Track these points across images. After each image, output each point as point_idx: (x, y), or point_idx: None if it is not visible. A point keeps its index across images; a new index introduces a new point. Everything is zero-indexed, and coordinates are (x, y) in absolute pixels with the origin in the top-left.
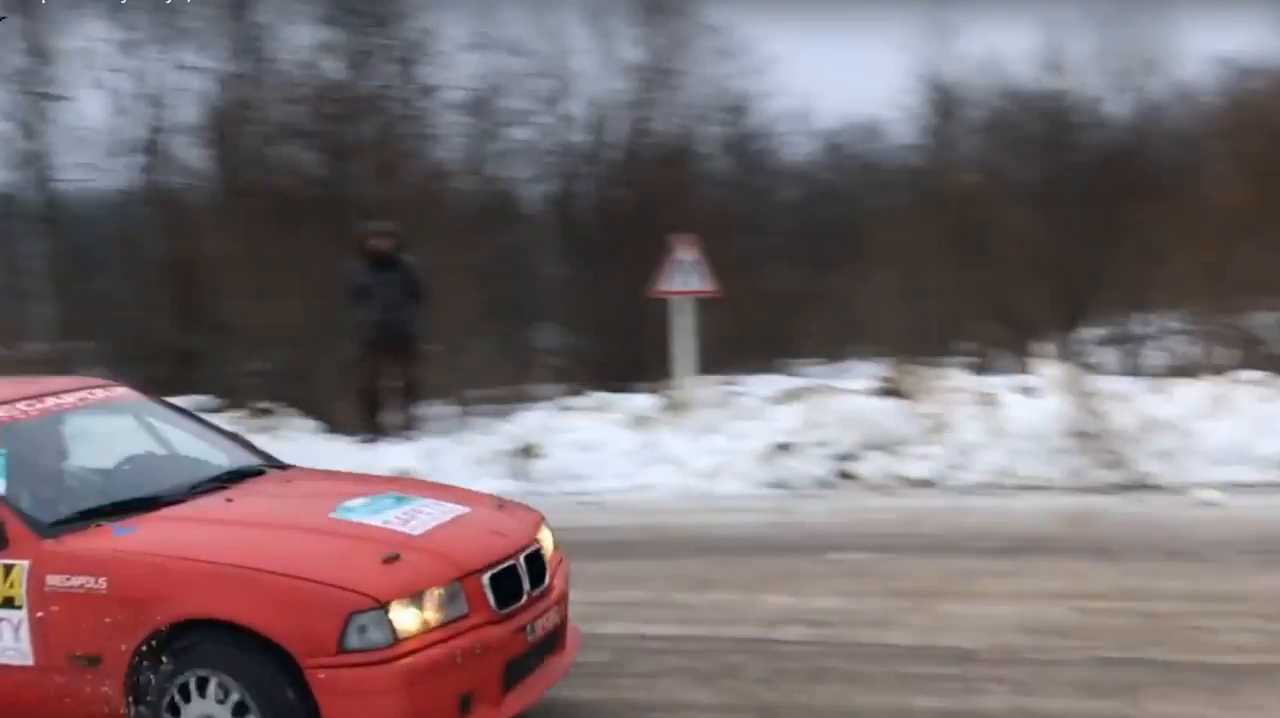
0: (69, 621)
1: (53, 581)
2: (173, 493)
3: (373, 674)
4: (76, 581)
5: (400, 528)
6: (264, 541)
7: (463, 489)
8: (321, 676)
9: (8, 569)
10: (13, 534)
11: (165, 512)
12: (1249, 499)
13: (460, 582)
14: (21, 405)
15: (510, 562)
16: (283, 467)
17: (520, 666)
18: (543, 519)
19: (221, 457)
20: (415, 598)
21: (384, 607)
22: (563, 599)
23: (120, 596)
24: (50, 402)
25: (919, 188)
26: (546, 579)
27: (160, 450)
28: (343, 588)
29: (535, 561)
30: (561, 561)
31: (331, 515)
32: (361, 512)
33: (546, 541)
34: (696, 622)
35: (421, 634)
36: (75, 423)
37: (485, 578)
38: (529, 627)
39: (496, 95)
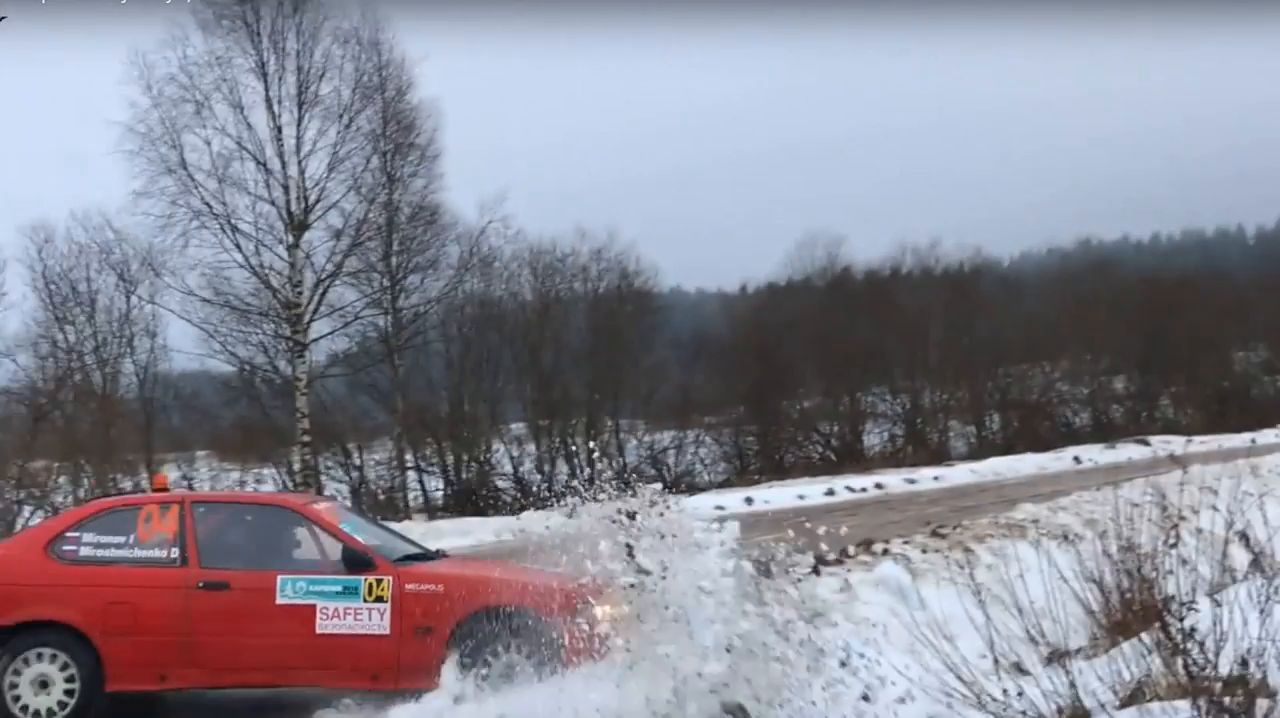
0: (416, 609)
1: (409, 587)
2: (421, 554)
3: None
4: (425, 587)
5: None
6: (502, 571)
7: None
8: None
9: (379, 582)
10: (380, 564)
11: (433, 562)
12: None
13: None
14: (324, 505)
15: None
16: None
17: None
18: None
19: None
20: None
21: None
22: None
23: (450, 594)
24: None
25: None
26: None
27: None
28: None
29: None
30: None
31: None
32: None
33: None
34: None
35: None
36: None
37: None
38: None
39: None
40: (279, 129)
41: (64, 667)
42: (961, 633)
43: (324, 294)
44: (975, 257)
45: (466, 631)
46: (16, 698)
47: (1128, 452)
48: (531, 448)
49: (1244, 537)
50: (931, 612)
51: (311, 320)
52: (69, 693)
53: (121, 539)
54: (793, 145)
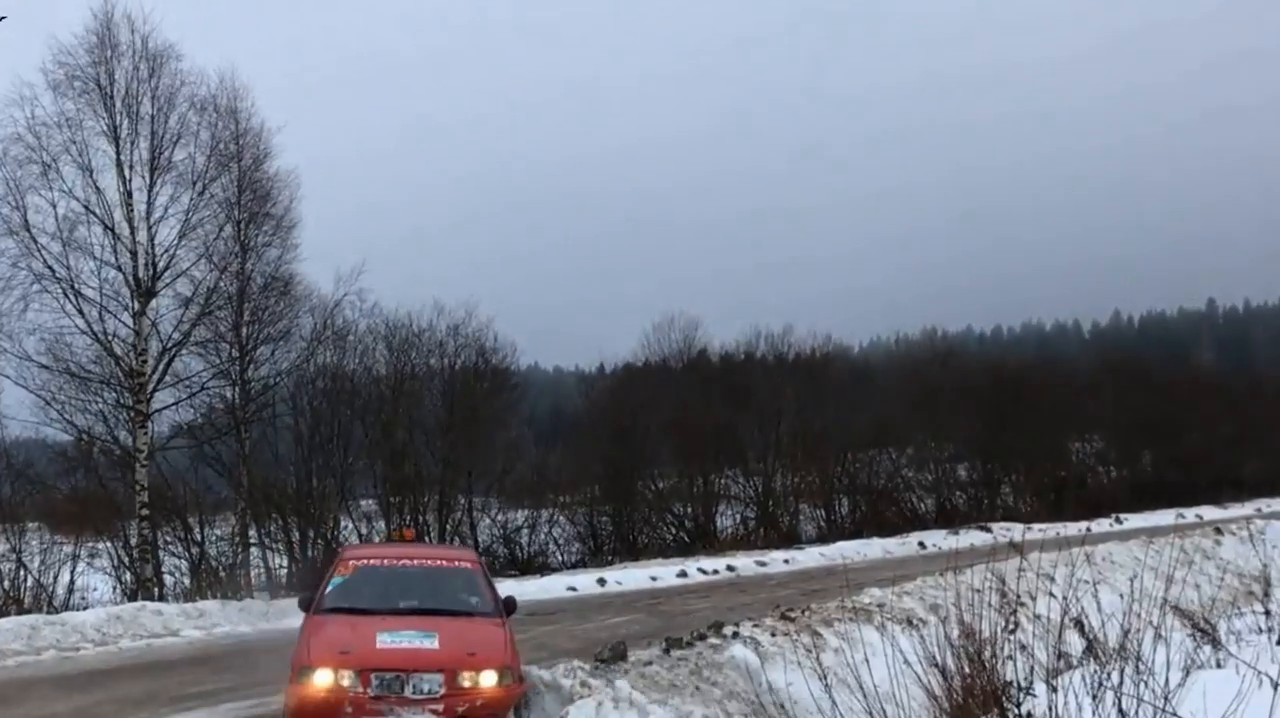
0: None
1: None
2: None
3: None
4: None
5: None
6: None
7: None
8: None
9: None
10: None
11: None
12: None
13: None
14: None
15: None
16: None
17: None
18: None
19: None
20: None
21: None
22: None
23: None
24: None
25: None
26: None
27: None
28: None
29: None
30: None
31: None
32: None
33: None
34: None
35: None
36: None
37: None
38: None
39: None
40: (129, 194)
41: None
42: (808, 715)
43: (169, 363)
44: (826, 343)
45: None
46: None
47: (970, 538)
48: (381, 525)
49: (1079, 623)
50: (779, 694)
51: (155, 390)
52: None
53: None
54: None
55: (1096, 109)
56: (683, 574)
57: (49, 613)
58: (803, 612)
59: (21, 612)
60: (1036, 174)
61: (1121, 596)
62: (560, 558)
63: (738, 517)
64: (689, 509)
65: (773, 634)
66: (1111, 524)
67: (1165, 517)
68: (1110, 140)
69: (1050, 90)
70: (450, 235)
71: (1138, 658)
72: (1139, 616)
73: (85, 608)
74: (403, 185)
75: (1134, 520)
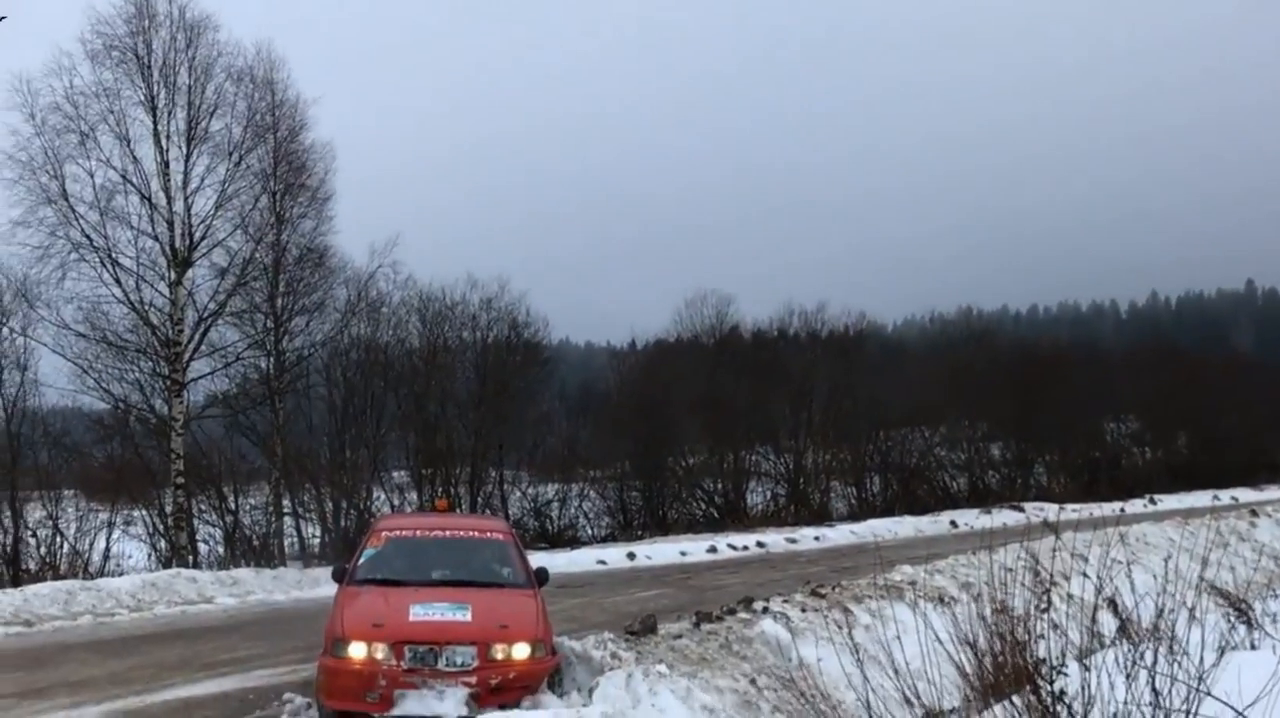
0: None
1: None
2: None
3: None
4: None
5: None
6: None
7: None
8: None
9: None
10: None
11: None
12: None
13: None
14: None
15: None
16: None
17: None
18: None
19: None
20: None
21: None
22: None
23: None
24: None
25: None
26: None
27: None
28: None
29: None
30: None
31: None
32: None
33: None
34: None
35: None
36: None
37: None
38: None
39: None
40: (166, 164)
41: None
42: (837, 691)
43: (205, 333)
44: (860, 321)
45: None
46: None
47: (1003, 517)
48: (413, 496)
49: (1112, 603)
50: (809, 669)
51: (191, 359)
52: None
53: None
54: (685, 202)
55: (1137, 93)
56: (712, 550)
57: (85, 579)
58: (834, 588)
59: (58, 578)
60: (1076, 154)
61: (1155, 576)
62: (590, 532)
63: (768, 494)
64: (719, 486)
65: (803, 610)
66: (1146, 505)
67: (1200, 498)
68: (1149, 124)
69: (1090, 73)
70: (484, 210)
71: (1172, 638)
72: (1173, 596)
73: (121, 575)
74: (436, 160)
75: (1168, 502)
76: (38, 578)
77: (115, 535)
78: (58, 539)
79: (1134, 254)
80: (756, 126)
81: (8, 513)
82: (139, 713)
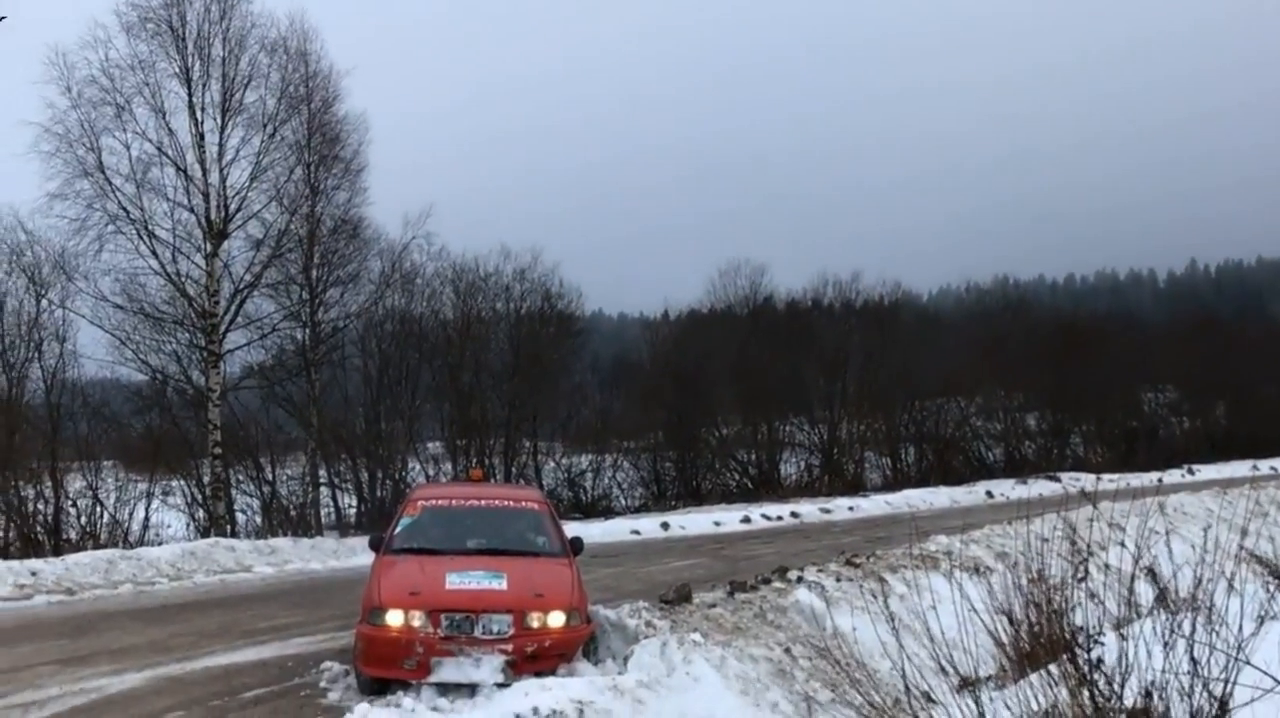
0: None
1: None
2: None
3: None
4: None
5: None
6: None
7: None
8: None
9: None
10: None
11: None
12: None
13: None
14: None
15: None
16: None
17: None
18: None
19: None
20: None
21: None
22: None
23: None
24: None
25: None
26: None
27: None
28: None
29: None
30: None
31: None
32: None
33: None
34: None
35: None
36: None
37: None
38: None
39: None
40: (201, 136)
41: None
42: (872, 660)
43: (241, 305)
44: (895, 291)
45: None
46: None
47: (1039, 487)
48: (448, 467)
49: (1150, 573)
50: (844, 639)
51: (227, 331)
52: None
53: None
54: (720, 172)
55: (1183, 74)
56: (746, 520)
57: (125, 548)
58: (868, 558)
59: (99, 547)
60: (1114, 122)
61: (1193, 546)
62: (624, 502)
63: (802, 464)
64: (753, 456)
65: (838, 580)
66: (1184, 475)
67: (1239, 468)
68: (1194, 103)
69: (1127, 38)
70: (517, 182)
71: (1210, 607)
72: (1211, 565)
73: (160, 544)
74: (471, 132)
75: (1207, 472)
76: (79, 547)
77: (154, 505)
78: (98, 509)
79: (1173, 222)
80: (797, 103)
81: (49, 483)
82: (180, 680)
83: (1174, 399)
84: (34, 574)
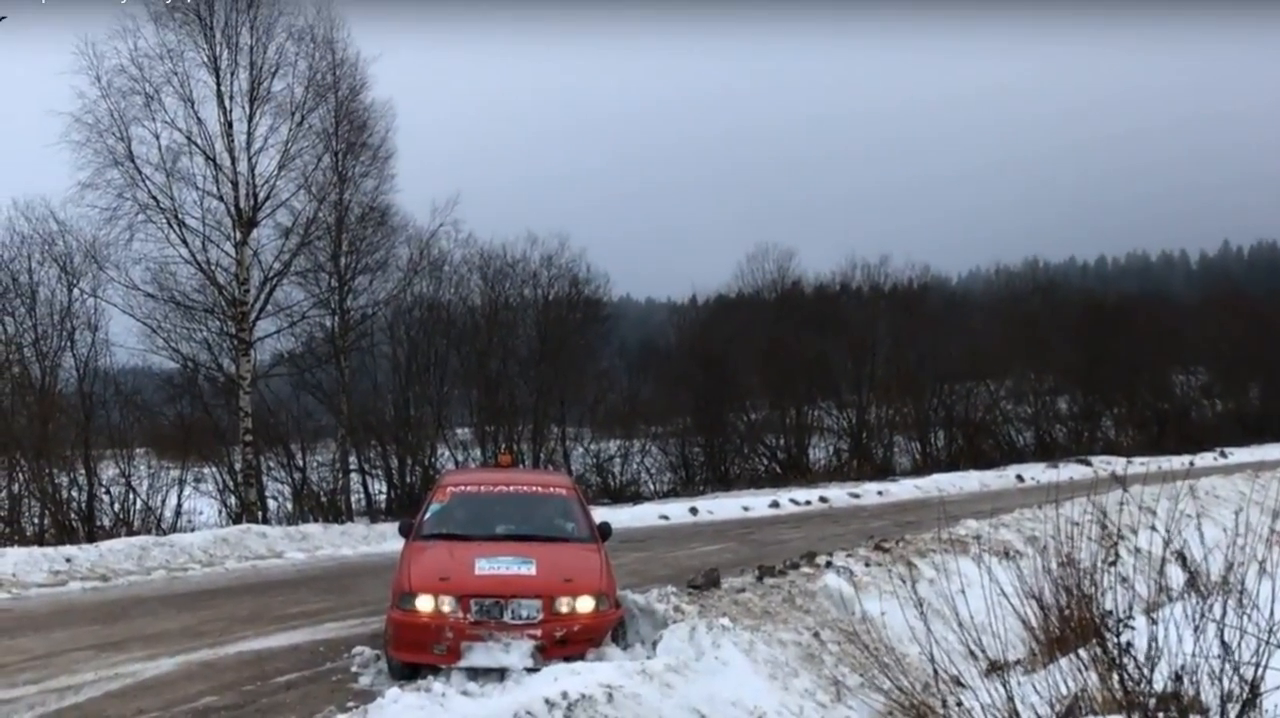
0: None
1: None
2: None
3: None
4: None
5: None
6: None
7: None
8: None
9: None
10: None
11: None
12: None
13: None
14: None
15: None
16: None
17: None
18: None
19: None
20: None
21: None
22: None
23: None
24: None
25: None
26: None
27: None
28: None
29: None
30: None
31: None
32: None
33: None
34: None
35: None
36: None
37: None
38: None
39: None
40: (230, 124)
41: None
42: (900, 644)
43: (271, 293)
44: (923, 274)
45: None
46: None
47: (1069, 471)
48: (477, 453)
49: (1181, 557)
50: (873, 623)
51: (257, 319)
52: None
53: None
54: (747, 157)
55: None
56: (775, 505)
57: (158, 535)
58: (897, 543)
59: (131, 534)
60: (1142, 101)
61: (1225, 529)
62: (652, 487)
63: (830, 449)
64: (781, 441)
65: (866, 564)
66: (1215, 458)
67: (1273, 451)
68: (1219, 71)
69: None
70: (545, 168)
71: (1241, 591)
72: (1243, 549)
73: (192, 531)
74: (497, 119)
75: (1239, 455)
76: (112, 534)
77: (186, 492)
78: (130, 496)
79: (1205, 203)
80: (825, 75)
81: (82, 471)
82: (212, 665)
83: (1206, 381)
84: (69, 561)
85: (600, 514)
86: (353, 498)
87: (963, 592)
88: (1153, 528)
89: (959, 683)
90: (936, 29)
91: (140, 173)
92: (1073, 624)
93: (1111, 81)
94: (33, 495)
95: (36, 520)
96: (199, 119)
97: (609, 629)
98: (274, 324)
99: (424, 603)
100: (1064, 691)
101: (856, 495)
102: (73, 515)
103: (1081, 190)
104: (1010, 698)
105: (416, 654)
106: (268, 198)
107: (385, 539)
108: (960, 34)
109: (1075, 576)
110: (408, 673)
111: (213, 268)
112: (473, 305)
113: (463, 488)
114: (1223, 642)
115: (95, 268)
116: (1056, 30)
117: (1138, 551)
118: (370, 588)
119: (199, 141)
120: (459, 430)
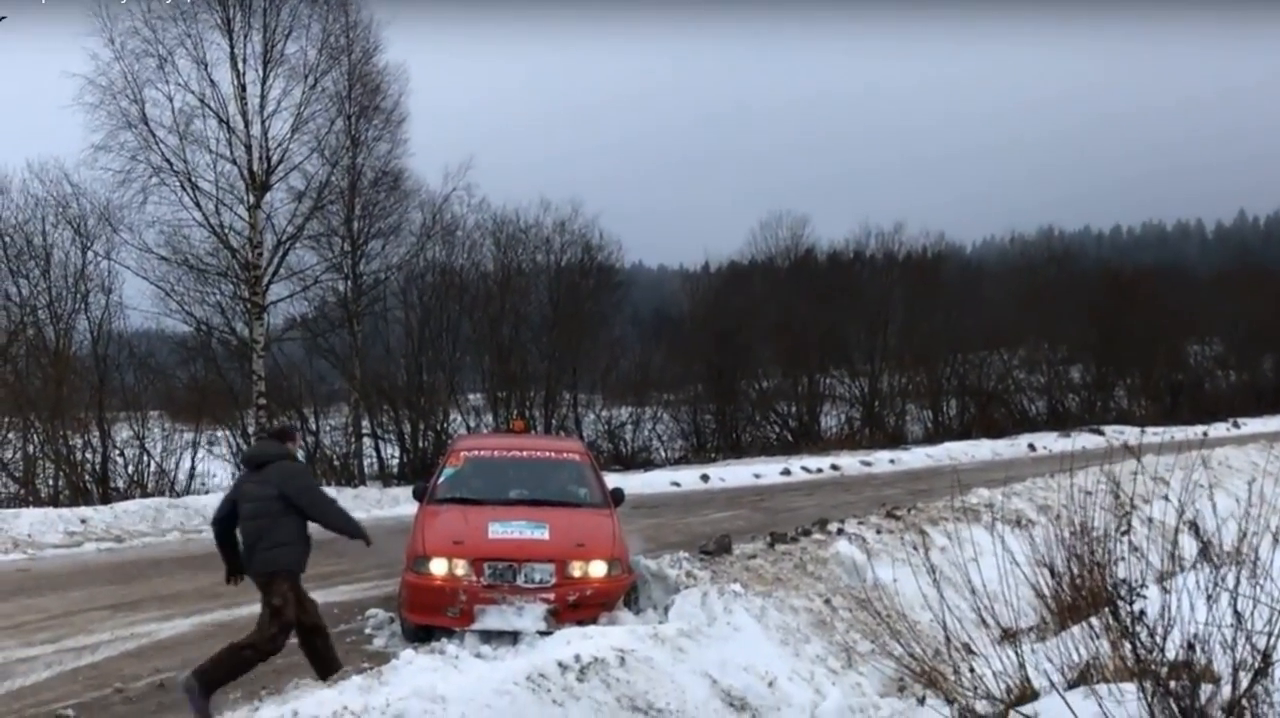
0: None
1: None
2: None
3: None
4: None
5: None
6: None
7: None
8: None
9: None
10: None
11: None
12: None
13: None
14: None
15: None
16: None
17: None
18: None
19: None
20: None
21: None
22: None
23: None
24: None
25: None
26: None
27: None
28: None
29: None
30: None
31: None
32: None
33: None
34: None
35: None
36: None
37: None
38: None
39: None
40: (243, 87)
41: None
42: (912, 612)
43: (284, 256)
44: (938, 242)
45: None
46: None
47: (1082, 440)
48: (489, 419)
49: (1194, 527)
50: (885, 590)
51: (270, 283)
52: None
53: None
54: (760, 124)
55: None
56: (786, 472)
57: (172, 497)
58: (909, 511)
59: (146, 496)
60: (1159, 71)
61: (1238, 499)
62: (664, 454)
63: (842, 417)
64: (793, 409)
65: (878, 532)
66: (1229, 429)
67: None
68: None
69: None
70: (558, 131)
71: (1255, 561)
72: (1257, 519)
73: (206, 493)
74: (511, 81)
75: (1253, 425)
76: (126, 496)
77: (200, 455)
78: (144, 458)
79: (1221, 172)
80: (840, 54)
81: (96, 433)
82: (227, 626)
83: (1220, 352)
84: (84, 522)
85: (613, 481)
86: (365, 462)
87: (975, 560)
88: (1165, 498)
89: (970, 651)
90: (951, 8)
91: (154, 135)
92: (1085, 593)
93: (1126, 59)
94: (47, 457)
95: (51, 482)
96: (212, 81)
97: (621, 594)
98: (287, 288)
99: (438, 566)
100: (1076, 658)
101: (868, 463)
102: (87, 477)
103: (1097, 163)
104: (1022, 665)
105: (430, 617)
106: (281, 161)
107: (398, 503)
108: (975, 14)
109: (1088, 544)
110: (421, 636)
111: (226, 231)
112: (485, 271)
113: (476, 453)
114: (1235, 611)
115: (109, 230)
116: (1074, 9)
117: (1150, 520)
118: (383, 551)
119: (212, 104)
120: (471, 396)
